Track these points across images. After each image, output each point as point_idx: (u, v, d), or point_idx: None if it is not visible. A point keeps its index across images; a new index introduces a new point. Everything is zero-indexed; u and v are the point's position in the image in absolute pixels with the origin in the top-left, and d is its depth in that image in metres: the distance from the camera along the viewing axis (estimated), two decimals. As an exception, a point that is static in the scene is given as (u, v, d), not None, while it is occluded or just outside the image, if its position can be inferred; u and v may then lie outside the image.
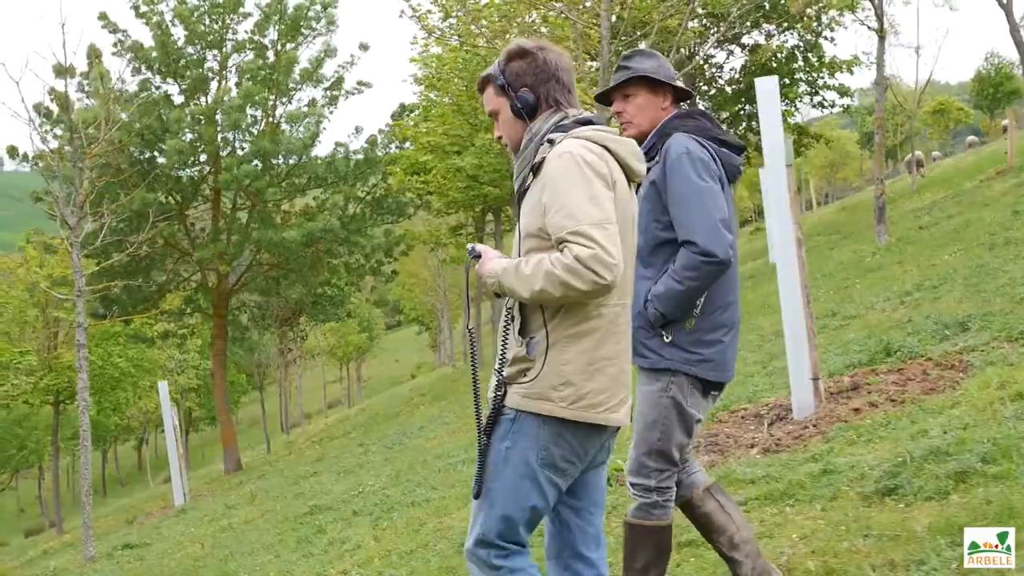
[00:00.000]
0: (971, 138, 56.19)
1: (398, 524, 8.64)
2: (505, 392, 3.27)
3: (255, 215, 27.96)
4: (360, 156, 28.87)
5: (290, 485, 16.81)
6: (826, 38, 32.01)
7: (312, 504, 12.16)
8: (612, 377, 3.27)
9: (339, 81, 28.61)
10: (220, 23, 27.37)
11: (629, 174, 3.34)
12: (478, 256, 3.33)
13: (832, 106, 34.07)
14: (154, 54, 26.78)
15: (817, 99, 33.32)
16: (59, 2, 16.28)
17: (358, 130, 31.03)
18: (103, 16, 26.20)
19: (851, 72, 32.25)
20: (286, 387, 54.44)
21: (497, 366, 3.30)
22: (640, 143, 4.03)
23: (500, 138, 3.57)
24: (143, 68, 27.24)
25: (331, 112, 28.50)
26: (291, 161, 27.84)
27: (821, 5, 27.50)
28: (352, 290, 31.07)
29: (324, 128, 27.69)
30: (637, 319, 3.93)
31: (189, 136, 26.54)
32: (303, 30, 27.72)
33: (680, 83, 4.23)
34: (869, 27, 21.34)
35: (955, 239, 16.05)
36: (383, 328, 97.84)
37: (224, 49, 27.79)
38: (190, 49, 27.53)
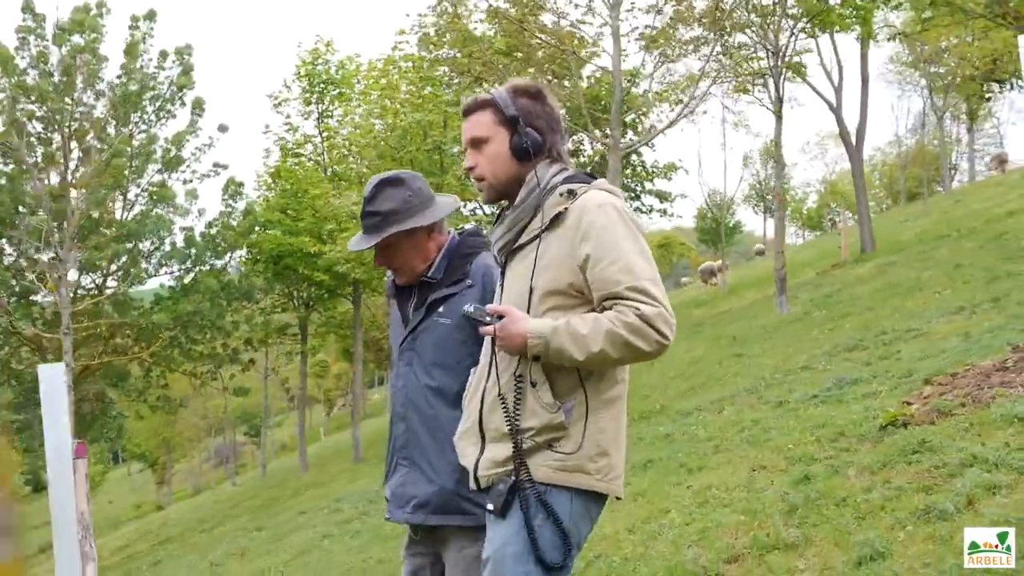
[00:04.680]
0: (759, 246, 60.28)
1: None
2: (523, 464, 2.98)
3: (108, 301, 26.21)
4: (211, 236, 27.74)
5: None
6: (647, 144, 33.29)
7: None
8: (624, 446, 3.13)
9: (177, 160, 27.41)
10: (71, 100, 26.02)
11: None
12: (500, 316, 2.97)
13: (650, 211, 35.63)
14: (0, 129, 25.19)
15: (636, 204, 34.73)
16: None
17: (201, 213, 29.67)
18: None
19: (668, 178, 33.94)
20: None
21: (508, 435, 3.01)
22: (412, 283, 3.83)
23: (473, 169, 3.22)
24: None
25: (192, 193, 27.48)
26: (151, 244, 26.53)
27: (642, 112, 28.74)
28: (208, 379, 29.53)
29: (193, 207, 26.66)
30: (449, 468, 3.54)
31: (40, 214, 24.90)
32: (160, 112, 26.82)
33: (440, 209, 3.82)
34: (768, 108, 22.83)
35: (895, 295, 17.28)
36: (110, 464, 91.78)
37: (70, 128, 26.38)
38: (32, 127, 26.05)
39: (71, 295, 21.14)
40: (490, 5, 19.81)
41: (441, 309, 3.67)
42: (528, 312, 2.99)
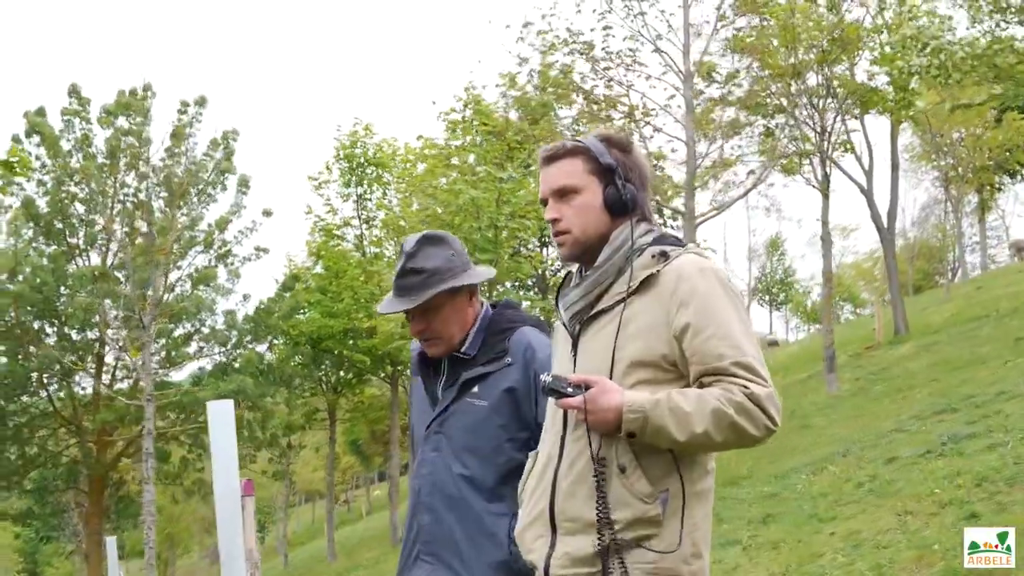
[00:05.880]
0: (771, 337, 60.30)
1: None
2: (615, 565, 2.58)
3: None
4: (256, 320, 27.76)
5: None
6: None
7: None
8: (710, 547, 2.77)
9: (224, 247, 27.70)
10: (113, 182, 26.26)
11: None
12: (587, 387, 2.57)
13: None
14: (45, 210, 25.49)
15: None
16: None
17: (246, 298, 29.41)
18: (6, 164, 24.71)
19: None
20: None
21: (589, 527, 2.62)
22: (443, 356, 3.47)
23: (557, 222, 2.82)
24: (28, 226, 25.76)
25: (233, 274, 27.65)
26: (192, 324, 26.62)
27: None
28: (248, 462, 29.42)
29: (234, 289, 26.83)
30: (489, 571, 3.20)
31: (82, 295, 25.03)
32: (202, 196, 27.01)
33: (481, 272, 3.57)
34: (815, 187, 23.05)
35: (955, 368, 17.38)
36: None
37: (111, 210, 26.55)
38: (75, 209, 26.33)
39: (143, 377, 21.27)
40: (569, 80, 20.18)
41: (476, 389, 3.32)
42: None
